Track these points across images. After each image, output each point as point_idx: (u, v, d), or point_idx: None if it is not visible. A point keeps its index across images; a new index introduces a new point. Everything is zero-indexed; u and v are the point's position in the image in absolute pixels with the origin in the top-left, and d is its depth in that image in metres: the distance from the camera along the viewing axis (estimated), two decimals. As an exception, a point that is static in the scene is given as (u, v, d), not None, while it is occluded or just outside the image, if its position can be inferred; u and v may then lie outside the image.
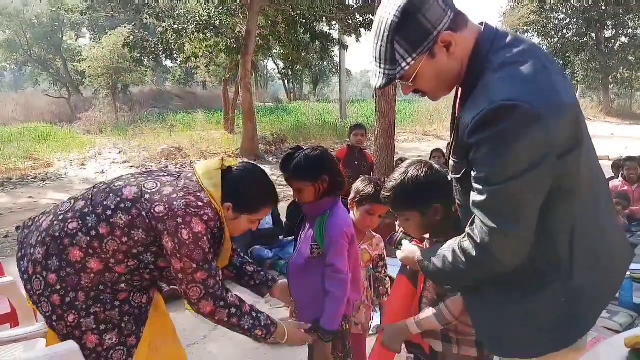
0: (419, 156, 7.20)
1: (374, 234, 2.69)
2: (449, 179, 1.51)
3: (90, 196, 1.76)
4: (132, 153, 12.74)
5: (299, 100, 32.21)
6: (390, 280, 2.66)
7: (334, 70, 34.81)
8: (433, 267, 1.44)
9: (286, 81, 36.63)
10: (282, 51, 17.65)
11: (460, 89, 1.42)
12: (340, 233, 2.00)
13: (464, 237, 1.32)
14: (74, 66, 28.14)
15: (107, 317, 1.72)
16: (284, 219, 5.30)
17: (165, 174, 1.84)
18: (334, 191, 2.05)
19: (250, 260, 2.16)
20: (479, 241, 1.25)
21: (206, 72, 18.97)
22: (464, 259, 1.31)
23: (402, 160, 6.58)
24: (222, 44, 12.36)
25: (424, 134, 17.13)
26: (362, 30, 13.86)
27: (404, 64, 1.26)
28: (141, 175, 1.83)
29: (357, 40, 14.84)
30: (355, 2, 13.98)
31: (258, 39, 12.93)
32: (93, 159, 12.18)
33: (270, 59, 21.40)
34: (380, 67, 1.30)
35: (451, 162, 1.40)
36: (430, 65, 1.27)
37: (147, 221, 1.66)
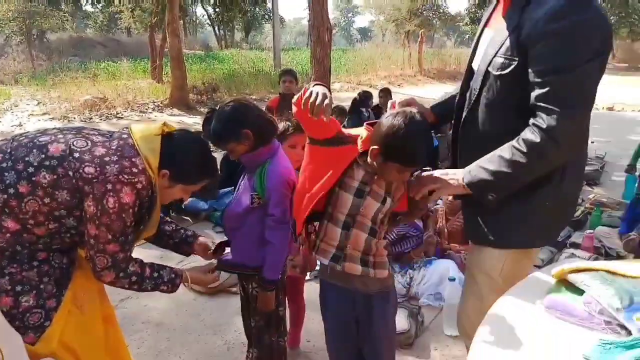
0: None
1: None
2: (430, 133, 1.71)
3: (9, 150, 1.59)
4: (52, 104, 11.83)
5: (231, 48, 31.19)
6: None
7: (266, 17, 33.82)
8: (483, 172, 1.52)
9: (217, 28, 35.21)
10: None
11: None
12: (282, 182, 1.95)
13: (524, 132, 1.43)
14: (-21, 9, 25.68)
15: (25, 278, 1.60)
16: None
17: (96, 133, 1.70)
18: (266, 139, 1.97)
19: (167, 219, 2.06)
20: (545, 127, 1.38)
21: (130, 17, 17.90)
22: (525, 149, 1.42)
23: (339, 108, 6.44)
24: (147, -14, 11.61)
25: (358, 83, 17.14)
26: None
27: None
28: (69, 131, 1.67)
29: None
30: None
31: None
32: (9, 111, 11.23)
33: (199, 3, 20.38)
34: None
35: (499, 60, 1.50)
36: None
37: (74, 181, 1.55)
